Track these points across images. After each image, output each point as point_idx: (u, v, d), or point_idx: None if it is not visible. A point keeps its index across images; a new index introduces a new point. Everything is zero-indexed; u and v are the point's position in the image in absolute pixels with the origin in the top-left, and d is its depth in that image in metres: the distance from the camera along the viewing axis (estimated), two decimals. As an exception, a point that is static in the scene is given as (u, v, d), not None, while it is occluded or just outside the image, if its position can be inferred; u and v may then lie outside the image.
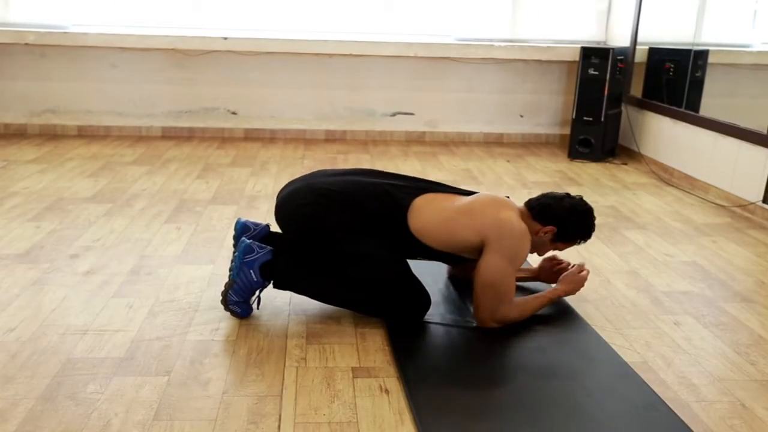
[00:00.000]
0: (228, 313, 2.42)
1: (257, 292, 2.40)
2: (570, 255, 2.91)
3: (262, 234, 2.59)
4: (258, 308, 2.45)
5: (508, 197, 2.52)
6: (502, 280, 2.29)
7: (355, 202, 2.34)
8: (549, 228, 2.42)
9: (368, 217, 2.34)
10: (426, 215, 2.35)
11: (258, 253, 2.35)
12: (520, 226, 2.32)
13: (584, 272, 2.53)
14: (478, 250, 2.34)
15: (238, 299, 2.37)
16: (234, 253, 2.42)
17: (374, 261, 2.33)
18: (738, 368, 2.22)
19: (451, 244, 2.37)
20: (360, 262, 2.33)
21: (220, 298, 2.39)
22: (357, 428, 1.83)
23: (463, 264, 2.60)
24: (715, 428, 1.89)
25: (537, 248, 2.50)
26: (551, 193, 2.51)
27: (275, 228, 2.59)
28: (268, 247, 2.38)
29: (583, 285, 2.53)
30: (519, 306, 2.39)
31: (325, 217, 2.34)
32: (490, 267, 2.28)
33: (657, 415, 1.92)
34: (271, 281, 2.40)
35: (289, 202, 2.42)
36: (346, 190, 2.37)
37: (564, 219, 2.42)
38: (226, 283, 2.39)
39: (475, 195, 2.46)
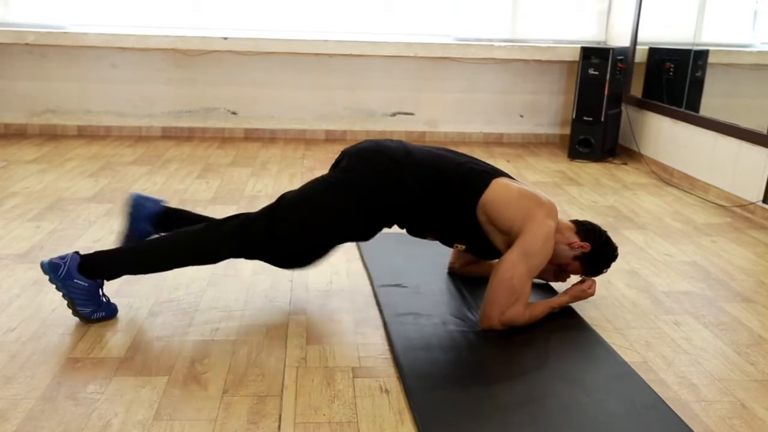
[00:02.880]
0: (228, 313, 2.42)
1: (101, 291, 2.35)
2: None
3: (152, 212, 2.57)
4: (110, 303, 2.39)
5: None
6: (521, 278, 2.29)
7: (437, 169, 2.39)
8: (585, 244, 2.49)
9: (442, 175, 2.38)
10: (506, 187, 2.39)
11: (64, 262, 2.28)
12: (552, 236, 2.36)
13: (592, 288, 2.53)
14: (507, 240, 2.36)
15: (92, 307, 2.32)
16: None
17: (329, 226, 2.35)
18: (738, 368, 2.22)
19: (498, 215, 2.36)
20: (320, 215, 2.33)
21: (79, 320, 2.33)
22: (357, 428, 1.83)
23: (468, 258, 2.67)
24: (715, 428, 1.89)
25: (557, 258, 2.50)
26: (594, 223, 2.61)
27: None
28: (69, 253, 2.31)
29: (589, 296, 2.54)
30: (530, 309, 2.38)
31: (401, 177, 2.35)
32: (514, 262, 2.28)
33: (657, 415, 1.92)
34: (100, 277, 2.34)
35: (378, 146, 2.42)
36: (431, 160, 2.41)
37: (600, 245, 2.53)
38: (68, 305, 2.32)
39: (540, 193, 2.48)
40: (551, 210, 2.40)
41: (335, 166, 2.45)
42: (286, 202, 2.36)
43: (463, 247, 2.52)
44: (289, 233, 2.33)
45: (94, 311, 2.32)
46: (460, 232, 2.48)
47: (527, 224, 2.31)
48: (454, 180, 2.38)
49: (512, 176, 2.56)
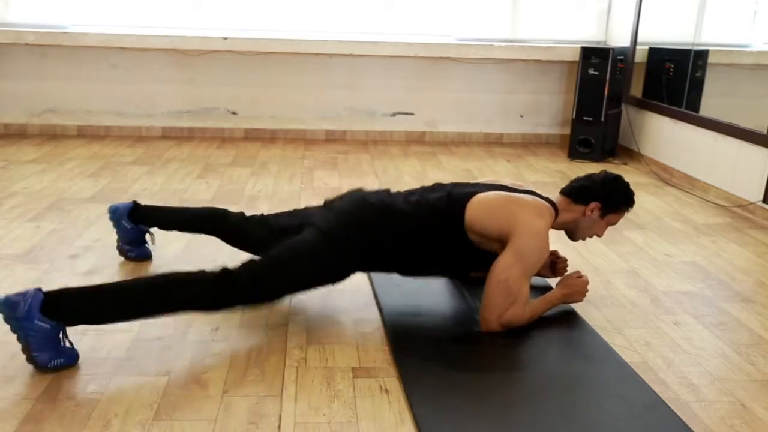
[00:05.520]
0: (228, 313, 2.40)
1: (61, 336, 2.05)
2: (571, 254, 2.91)
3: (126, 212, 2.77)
4: (71, 346, 2.10)
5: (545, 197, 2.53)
6: (516, 279, 2.28)
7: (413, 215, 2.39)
8: (594, 205, 2.49)
9: (426, 209, 2.38)
10: (484, 200, 2.39)
11: (25, 299, 1.98)
12: (545, 234, 2.35)
13: (583, 277, 2.52)
14: (498, 242, 2.35)
15: (50, 353, 2.01)
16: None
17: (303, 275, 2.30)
18: (738, 368, 2.22)
19: (486, 228, 2.35)
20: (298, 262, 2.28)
21: (32, 367, 2.03)
22: (357, 428, 1.83)
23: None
24: (715, 428, 1.89)
25: (591, 230, 2.54)
26: (577, 177, 2.61)
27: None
28: (31, 290, 2.01)
29: (583, 291, 2.51)
30: (530, 309, 2.37)
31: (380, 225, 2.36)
32: (507, 264, 2.28)
33: (657, 415, 1.92)
34: (65, 320, 2.04)
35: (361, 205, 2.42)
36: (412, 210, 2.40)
37: (603, 190, 2.51)
38: (22, 349, 2.01)
39: (526, 194, 2.47)
40: (539, 209, 2.39)
41: (324, 210, 2.48)
42: (275, 261, 2.27)
43: (481, 274, 2.49)
44: (279, 292, 2.30)
45: (51, 358, 2.02)
46: (466, 261, 2.49)
47: (515, 226, 2.30)
48: (432, 216, 2.37)
49: (504, 185, 2.55)
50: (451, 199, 2.40)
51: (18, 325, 1.98)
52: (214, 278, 2.19)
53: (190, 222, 2.85)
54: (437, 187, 2.55)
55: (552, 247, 2.62)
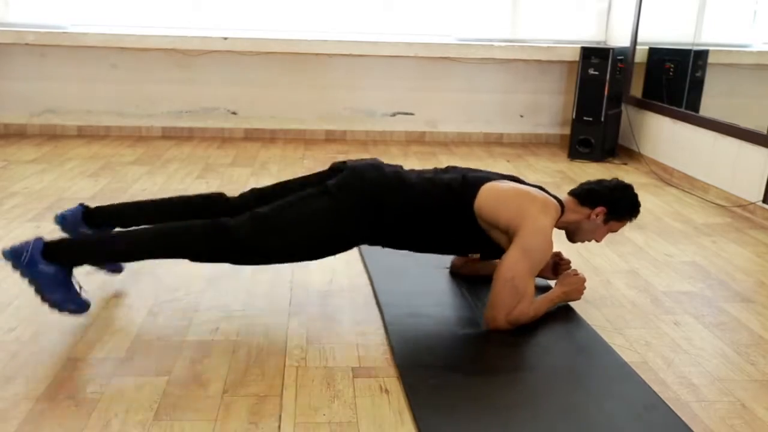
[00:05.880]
0: (228, 313, 2.42)
1: (73, 281, 2.22)
2: (571, 255, 2.91)
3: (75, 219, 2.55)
4: (83, 292, 2.27)
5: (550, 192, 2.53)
6: (522, 277, 2.29)
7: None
8: (599, 209, 2.50)
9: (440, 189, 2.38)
10: (497, 188, 2.39)
11: (25, 248, 2.15)
12: (550, 231, 2.36)
13: (579, 275, 2.55)
14: (503, 232, 2.35)
15: (62, 295, 2.18)
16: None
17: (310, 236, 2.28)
18: (738, 368, 2.22)
19: (494, 216, 2.35)
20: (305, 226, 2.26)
21: (48, 307, 2.20)
22: (357, 428, 1.83)
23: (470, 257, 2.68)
24: (715, 428, 1.89)
25: (592, 234, 2.56)
26: (588, 180, 2.62)
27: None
28: (32, 239, 2.19)
29: (581, 288, 2.54)
30: (534, 306, 2.38)
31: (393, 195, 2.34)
32: (513, 261, 2.28)
33: (657, 415, 1.92)
34: (67, 263, 2.22)
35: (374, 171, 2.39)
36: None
37: (611, 196, 2.52)
38: (35, 292, 2.19)
39: (534, 189, 2.48)
40: (546, 205, 2.39)
41: (332, 173, 2.44)
42: (277, 215, 2.26)
43: (477, 255, 2.55)
44: (279, 248, 2.28)
45: (64, 300, 2.18)
46: (469, 243, 2.49)
47: (522, 221, 2.31)
48: (445, 195, 2.38)
49: (515, 177, 2.57)
50: (466, 182, 2.40)
51: (25, 271, 2.16)
52: (212, 233, 2.22)
53: (157, 214, 2.52)
54: (450, 169, 2.55)
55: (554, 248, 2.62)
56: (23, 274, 2.17)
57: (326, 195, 2.29)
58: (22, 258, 2.15)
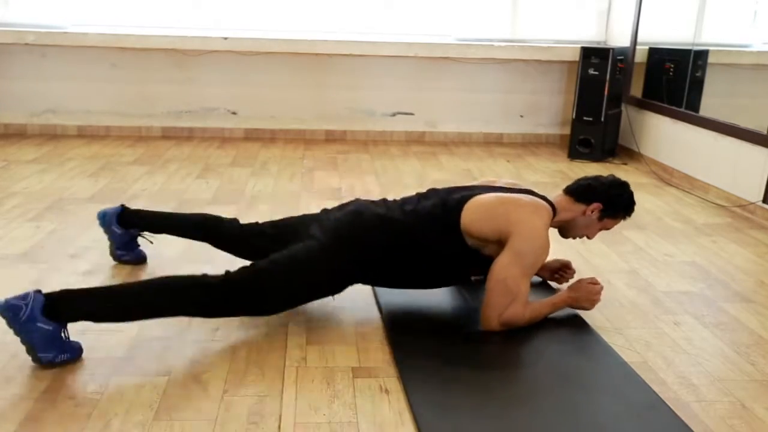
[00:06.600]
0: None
1: (64, 334, 2.07)
2: (571, 254, 2.91)
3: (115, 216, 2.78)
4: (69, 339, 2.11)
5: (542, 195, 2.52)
6: (514, 278, 2.27)
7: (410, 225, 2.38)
8: (595, 205, 2.49)
9: (423, 218, 2.38)
10: (479, 203, 2.38)
11: (26, 303, 2.00)
12: (544, 233, 2.34)
13: (598, 285, 2.48)
14: (498, 244, 2.34)
15: (55, 351, 2.04)
16: None
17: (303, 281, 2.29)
18: (738, 368, 2.22)
19: (483, 230, 2.34)
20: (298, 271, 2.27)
21: (32, 366, 2.05)
22: (357, 428, 1.83)
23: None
24: (715, 428, 1.89)
25: (586, 229, 2.55)
26: (585, 176, 2.61)
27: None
28: (31, 292, 2.03)
29: (592, 297, 2.46)
30: (530, 308, 2.36)
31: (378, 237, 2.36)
32: (505, 263, 2.28)
33: (657, 415, 1.92)
34: (66, 320, 2.07)
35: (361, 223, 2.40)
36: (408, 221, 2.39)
37: (607, 193, 2.51)
38: (27, 351, 2.04)
39: (521, 194, 2.46)
40: (536, 207, 2.38)
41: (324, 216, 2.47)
42: (275, 266, 2.26)
43: (480, 276, 2.51)
44: (279, 299, 2.28)
45: (56, 355, 2.04)
46: (464, 266, 2.47)
47: (513, 227, 2.29)
48: (429, 225, 2.36)
49: (502, 186, 2.55)
50: (446, 207, 2.39)
51: (21, 328, 2.00)
52: (213, 284, 2.19)
53: (181, 226, 2.81)
54: (431, 194, 2.53)
55: (553, 249, 2.61)
56: (18, 332, 2.01)
57: (317, 249, 2.30)
58: (20, 315, 1.99)
